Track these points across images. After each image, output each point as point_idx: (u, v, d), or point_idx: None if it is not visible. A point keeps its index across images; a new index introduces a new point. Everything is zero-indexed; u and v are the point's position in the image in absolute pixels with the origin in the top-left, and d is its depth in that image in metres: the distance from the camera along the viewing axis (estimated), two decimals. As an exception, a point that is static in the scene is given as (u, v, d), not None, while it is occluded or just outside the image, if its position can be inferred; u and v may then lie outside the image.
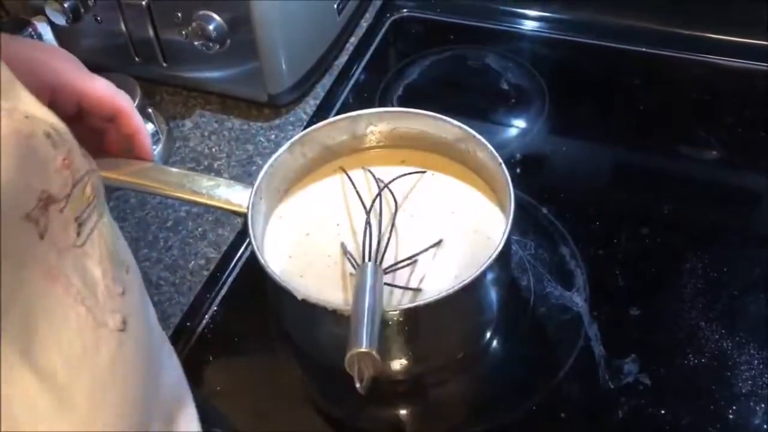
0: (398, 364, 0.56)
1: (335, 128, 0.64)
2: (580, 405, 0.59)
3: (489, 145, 0.59)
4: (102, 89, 0.53)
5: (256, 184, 0.58)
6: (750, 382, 0.58)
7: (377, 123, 0.64)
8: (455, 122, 0.61)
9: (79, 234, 0.34)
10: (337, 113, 0.82)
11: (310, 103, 0.86)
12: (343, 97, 0.86)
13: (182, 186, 0.57)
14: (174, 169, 0.58)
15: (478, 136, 0.60)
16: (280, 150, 0.61)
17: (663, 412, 0.57)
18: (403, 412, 0.62)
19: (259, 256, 0.55)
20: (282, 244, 0.60)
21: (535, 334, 0.63)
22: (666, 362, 0.60)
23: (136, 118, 0.55)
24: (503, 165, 0.57)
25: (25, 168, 0.31)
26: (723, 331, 0.61)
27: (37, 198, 0.32)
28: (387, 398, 0.60)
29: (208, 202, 0.57)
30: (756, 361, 0.59)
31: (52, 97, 0.51)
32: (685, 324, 0.62)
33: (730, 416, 0.56)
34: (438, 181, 0.63)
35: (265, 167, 0.59)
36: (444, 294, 0.51)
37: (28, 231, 0.31)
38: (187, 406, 0.44)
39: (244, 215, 0.57)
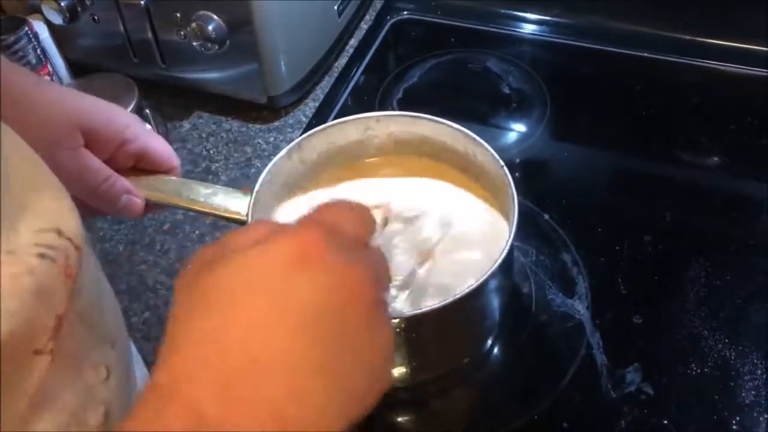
0: (399, 372, 0.55)
1: (334, 132, 0.63)
2: (582, 414, 0.58)
3: (490, 148, 0.58)
4: (165, 150, 0.54)
5: (255, 191, 0.57)
6: (754, 392, 0.57)
7: (377, 126, 0.63)
8: (456, 125, 0.60)
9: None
10: (337, 116, 0.82)
11: (310, 106, 0.85)
12: (342, 100, 0.85)
13: (179, 194, 0.56)
14: (171, 177, 0.57)
15: (479, 139, 0.59)
16: (278, 156, 0.60)
17: (666, 422, 0.56)
18: (404, 420, 0.61)
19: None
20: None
21: (537, 342, 0.63)
22: (669, 371, 0.59)
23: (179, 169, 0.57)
24: (505, 168, 0.57)
25: (31, 306, 0.28)
26: (726, 340, 0.60)
27: (51, 328, 0.30)
28: (388, 407, 0.60)
29: (207, 210, 0.56)
30: (760, 371, 0.58)
31: (118, 148, 0.51)
32: (688, 333, 0.61)
33: (734, 427, 0.56)
34: (438, 186, 0.63)
35: (263, 174, 0.58)
36: (446, 302, 0.50)
37: (38, 363, 0.29)
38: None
39: (244, 223, 0.56)
